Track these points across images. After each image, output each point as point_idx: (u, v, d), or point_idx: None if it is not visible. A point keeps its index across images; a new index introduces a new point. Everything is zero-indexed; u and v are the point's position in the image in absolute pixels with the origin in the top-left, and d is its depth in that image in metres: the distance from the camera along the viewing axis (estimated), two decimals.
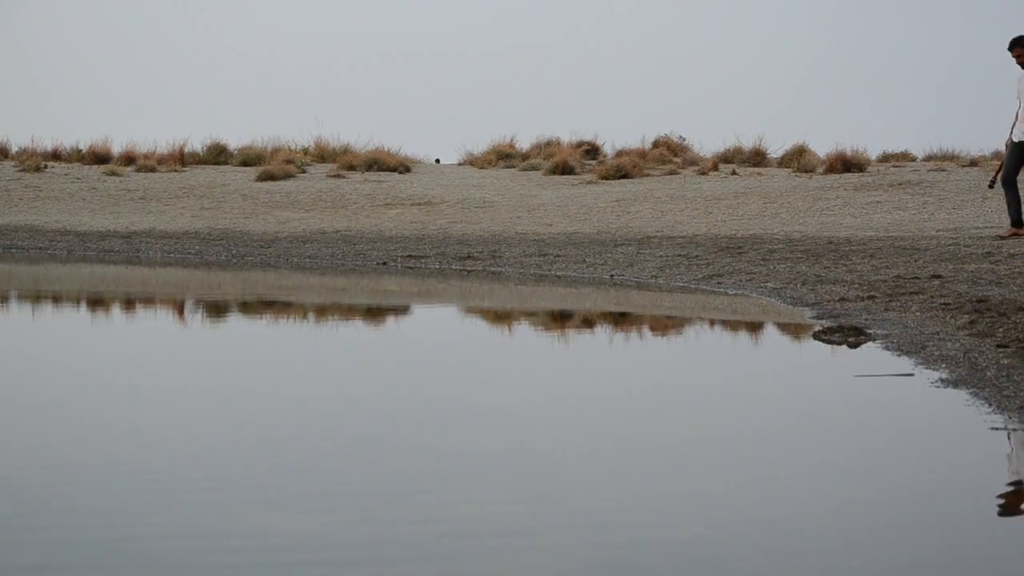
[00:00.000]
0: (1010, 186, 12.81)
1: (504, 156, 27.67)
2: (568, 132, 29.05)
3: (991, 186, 13.62)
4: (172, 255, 15.37)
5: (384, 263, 13.77)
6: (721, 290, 10.31)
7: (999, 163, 13.89)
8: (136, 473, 3.86)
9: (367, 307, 9.75)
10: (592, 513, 3.46)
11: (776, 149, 26.18)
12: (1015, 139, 12.70)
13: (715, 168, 24.51)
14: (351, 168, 25.77)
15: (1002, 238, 12.69)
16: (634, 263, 12.62)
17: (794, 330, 7.78)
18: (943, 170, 22.78)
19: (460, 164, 28.41)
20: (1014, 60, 12.49)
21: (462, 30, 49.72)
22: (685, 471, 3.98)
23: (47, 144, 28.60)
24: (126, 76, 47.29)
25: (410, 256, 14.15)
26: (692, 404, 5.32)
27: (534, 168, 25.52)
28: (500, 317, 9.01)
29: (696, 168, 24.76)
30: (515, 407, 5.14)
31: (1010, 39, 12.50)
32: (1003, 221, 15.57)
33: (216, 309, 9.52)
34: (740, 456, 4.19)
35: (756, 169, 24.84)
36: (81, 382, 5.84)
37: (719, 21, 49.65)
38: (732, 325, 8.30)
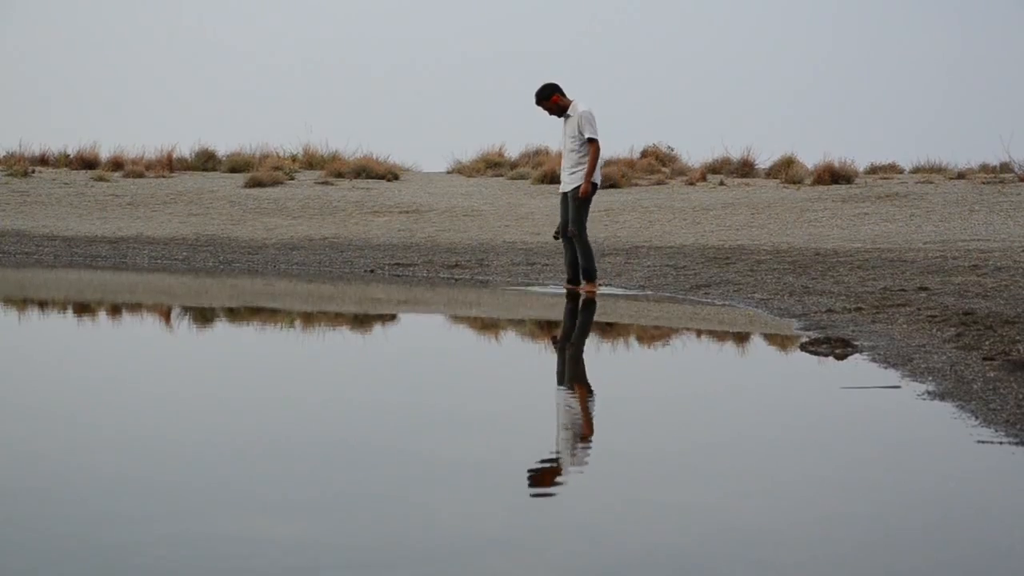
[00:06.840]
0: (579, 240, 11.26)
1: (492, 165, 27.68)
2: (557, 141, 29.02)
3: (555, 237, 11.83)
4: (159, 261, 15.33)
5: (372, 271, 13.75)
6: (708, 300, 10.32)
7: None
8: (124, 479, 3.85)
9: (354, 315, 9.73)
10: (580, 522, 3.46)
11: (764, 160, 26.25)
12: (562, 190, 11.48)
13: (703, 178, 24.54)
14: (339, 175, 25.77)
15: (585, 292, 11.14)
16: (622, 273, 12.63)
17: (781, 341, 7.79)
18: (930, 182, 22.85)
19: (448, 172, 28.40)
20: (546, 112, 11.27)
21: (451, 38, 49.78)
22: (673, 481, 3.98)
23: (35, 149, 28.56)
24: (115, 82, 47.22)
25: (398, 264, 14.14)
26: (680, 415, 5.32)
27: (522, 177, 25.53)
28: (487, 326, 9.00)
29: (684, 178, 24.80)
30: (503, 415, 5.13)
31: (534, 94, 11.22)
32: (990, 234, 15.62)
33: (203, 316, 9.50)
34: (727, 467, 4.19)
35: (744, 180, 24.89)
36: (71, 389, 5.82)
37: (708, 32, 49.78)
38: (719, 336, 8.30)
